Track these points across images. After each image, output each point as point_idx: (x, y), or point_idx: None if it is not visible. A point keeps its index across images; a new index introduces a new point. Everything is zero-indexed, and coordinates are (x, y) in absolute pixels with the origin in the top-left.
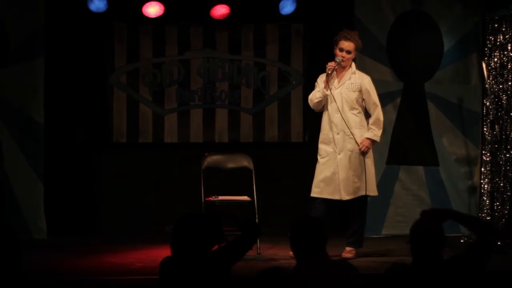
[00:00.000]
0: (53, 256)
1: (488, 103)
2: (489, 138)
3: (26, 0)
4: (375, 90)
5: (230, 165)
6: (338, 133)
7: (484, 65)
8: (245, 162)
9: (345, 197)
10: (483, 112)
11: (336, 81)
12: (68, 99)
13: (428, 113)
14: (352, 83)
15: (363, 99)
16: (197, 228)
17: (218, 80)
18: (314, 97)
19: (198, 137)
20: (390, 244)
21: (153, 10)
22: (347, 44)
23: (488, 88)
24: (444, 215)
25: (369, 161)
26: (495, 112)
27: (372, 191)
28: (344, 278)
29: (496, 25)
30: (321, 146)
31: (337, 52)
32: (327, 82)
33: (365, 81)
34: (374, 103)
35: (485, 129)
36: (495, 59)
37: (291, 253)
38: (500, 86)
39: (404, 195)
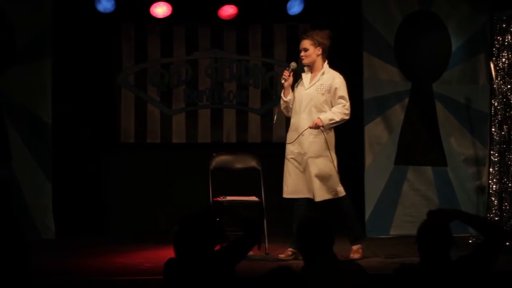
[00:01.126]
0: (61, 256)
1: (496, 103)
2: (497, 138)
3: (34, 0)
4: (346, 89)
5: (238, 165)
6: (303, 135)
7: (492, 65)
8: (253, 162)
9: (317, 198)
10: (491, 112)
11: (307, 81)
12: (76, 99)
13: (436, 113)
14: (321, 85)
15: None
16: (198, 229)
17: (226, 80)
18: (279, 104)
19: (206, 137)
20: (399, 244)
21: (160, 10)
22: (302, 43)
23: (496, 88)
24: (451, 216)
25: (334, 163)
26: (503, 112)
27: (341, 192)
28: (351, 278)
29: (504, 25)
30: (288, 147)
31: (300, 55)
32: (285, 88)
33: (335, 80)
34: (341, 97)
35: (493, 129)
36: (503, 59)
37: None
38: (508, 86)
39: (413, 195)
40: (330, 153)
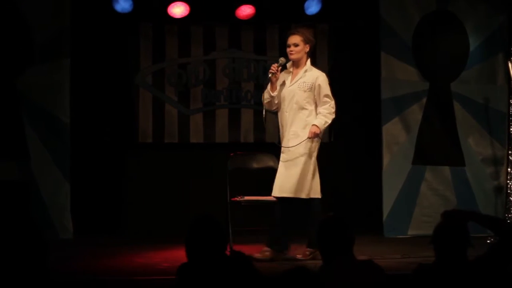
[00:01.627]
0: (79, 256)
1: None
2: None
3: (52, 1)
4: (329, 87)
5: (256, 165)
6: (288, 132)
7: (510, 65)
8: (271, 162)
9: (281, 194)
10: (509, 112)
11: (290, 78)
12: (94, 99)
13: (454, 113)
14: (304, 82)
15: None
16: (209, 232)
17: (244, 80)
18: (263, 97)
19: (223, 137)
20: (416, 244)
21: (178, 10)
22: (292, 38)
23: None
24: (466, 216)
25: (315, 162)
26: None
27: (318, 193)
28: (369, 279)
29: None
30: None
31: (287, 50)
32: (272, 83)
33: (319, 78)
34: (326, 95)
35: (511, 129)
36: None
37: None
38: None
39: (430, 195)
40: (313, 154)
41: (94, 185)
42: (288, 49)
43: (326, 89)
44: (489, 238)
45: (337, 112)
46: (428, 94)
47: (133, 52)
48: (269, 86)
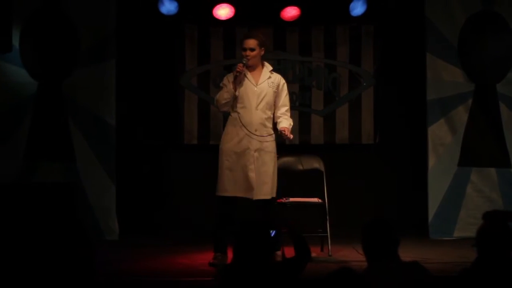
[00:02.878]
0: (124, 257)
1: None
2: None
3: (98, 3)
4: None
5: (301, 167)
6: (254, 131)
7: None
8: (316, 163)
9: (257, 196)
10: None
11: (252, 80)
12: (140, 101)
13: (500, 114)
14: (272, 82)
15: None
16: (259, 237)
17: (289, 82)
18: (222, 98)
19: None
20: (462, 246)
21: (223, 12)
22: (248, 42)
23: None
24: (506, 217)
25: (275, 162)
26: None
27: (275, 193)
28: (415, 281)
29: None
30: (228, 146)
31: (243, 53)
32: (235, 83)
33: (282, 81)
34: (287, 99)
35: None
36: None
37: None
38: None
39: (476, 197)
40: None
41: (139, 187)
42: (244, 53)
43: (287, 95)
44: None
45: (383, 113)
46: (473, 95)
47: (179, 54)
48: (230, 86)
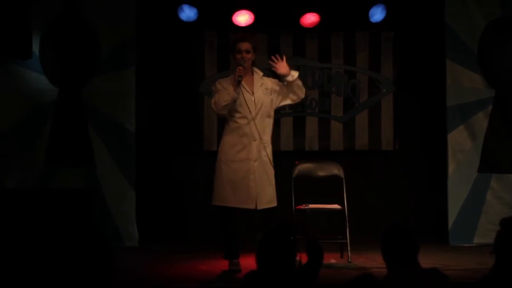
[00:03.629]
0: (144, 263)
1: None
2: None
3: (118, 10)
4: None
5: (321, 173)
6: (253, 141)
7: None
8: (336, 170)
9: (261, 206)
10: None
11: (247, 88)
12: (159, 107)
13: None
14: (266, 88)
15: (277, 97)
16: (283, 243)
17: (308, 88)
18: (223, 100)
19: (288, 145)
20: (482, 253)
21: (243, 18)
22: (244, 44)
23: None
24: None
25: (273, 170)
26: None
27: (275, 201)
28: (435, 287)
29: None
30: (227, 156)
31: (236, 56)
32: (235, 87)
33: (271, 80)
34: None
35: None
36: None
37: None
38: None
39: (496, 203)
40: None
41: (159, 193)
42: (239, 55)
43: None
44: None
45: (402, 119)
46: (493, 101)
47: (198, 60)
48: (231, 89)
